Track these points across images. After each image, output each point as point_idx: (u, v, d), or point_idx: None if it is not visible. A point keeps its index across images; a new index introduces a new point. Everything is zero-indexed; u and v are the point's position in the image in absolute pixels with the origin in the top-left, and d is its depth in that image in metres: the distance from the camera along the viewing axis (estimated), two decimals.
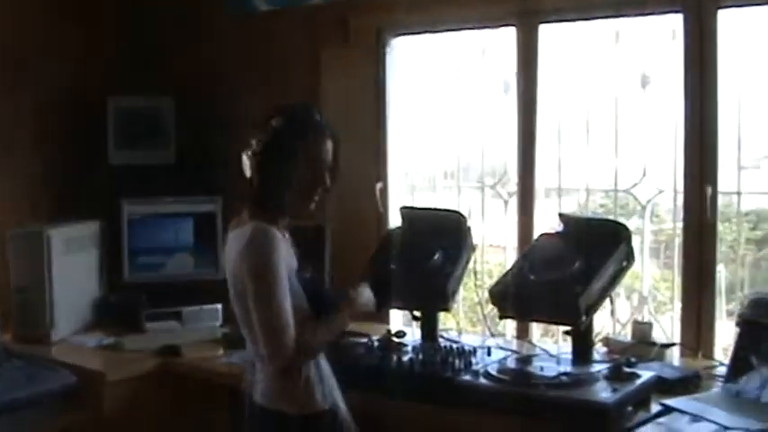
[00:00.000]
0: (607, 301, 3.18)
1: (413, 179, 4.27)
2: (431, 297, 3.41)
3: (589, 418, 2.63)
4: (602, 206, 4.02)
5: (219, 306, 4.01)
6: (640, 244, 3.71)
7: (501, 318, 3.29)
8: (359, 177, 4.15)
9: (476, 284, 3.72)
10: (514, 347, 3.53)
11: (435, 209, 3.78)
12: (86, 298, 4.04)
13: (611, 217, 3.69)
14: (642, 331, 3.45)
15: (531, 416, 2.72)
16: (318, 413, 2.70)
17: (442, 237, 3.52)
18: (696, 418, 2.63)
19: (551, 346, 3.69)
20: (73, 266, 3.92)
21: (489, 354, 3.19)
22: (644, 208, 3.70)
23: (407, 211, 3.71)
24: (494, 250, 4.16)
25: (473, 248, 3.57)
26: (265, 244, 2.61)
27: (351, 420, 2.80)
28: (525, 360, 3.03)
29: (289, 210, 2.74)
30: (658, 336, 3.49)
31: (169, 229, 4.18)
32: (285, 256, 2.65)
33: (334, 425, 2.73)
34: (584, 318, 3.00)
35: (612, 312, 3.24)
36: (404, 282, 3.39)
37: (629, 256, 3.16)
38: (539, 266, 3.19)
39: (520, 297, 3.12)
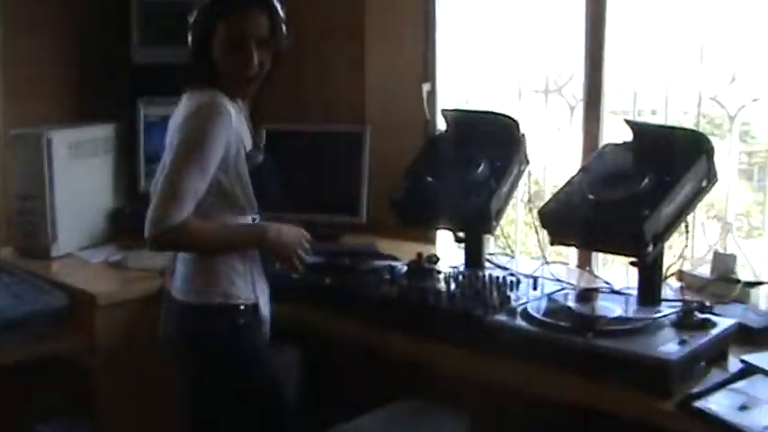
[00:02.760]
0: (682, 227, 2.53)
1: (468, 81, 3.61)
2: (472, 216, 2.81)
3: (648, 376, 2.02)
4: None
5: None
6: (727, 160, 3.04)
7: (552, 244, 2.66)
8: (402, 77, 3.56)
9: (529, 202, 3.12)
10: (571, 279, 2.92)
11: (484, 112, 3.14)
12: (98, 209, 3.52)
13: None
14: (724, 265, 2.80)
15: (574, 369, 2.13)
16: (239, 305, 2.39)
17: (489, 146, 2.91)
18: None
19: (618, 276, 3.08)
20: (83, 173, 3.41)
21: (535, 287, 2.58)
22: (732, 119, 3.01)
23: (452, 114, 3.09)
24: (558, 166, 3.51)
25: (526, 161, 2.94)
26: (207, 115, 2.28)
27: (269, 327, 2.48)
28: (577, 297, 2.42)
29: (228, 92, 2.36)
30: (744, 273, 2.84)
31: None
32: (232, 130, 2.31)
33: (254, 320, 2.41)
34: (650, 248, 2.37)
35: (687, 242, 2.58)
36: (443, 197, 2.80)
37: (711, 174, 2.49)
38: (599, 183, 2.55)
39: (573, 220, 2.50)
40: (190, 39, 2.40)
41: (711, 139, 2.54)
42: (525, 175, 3.00)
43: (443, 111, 3.11)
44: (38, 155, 3.25)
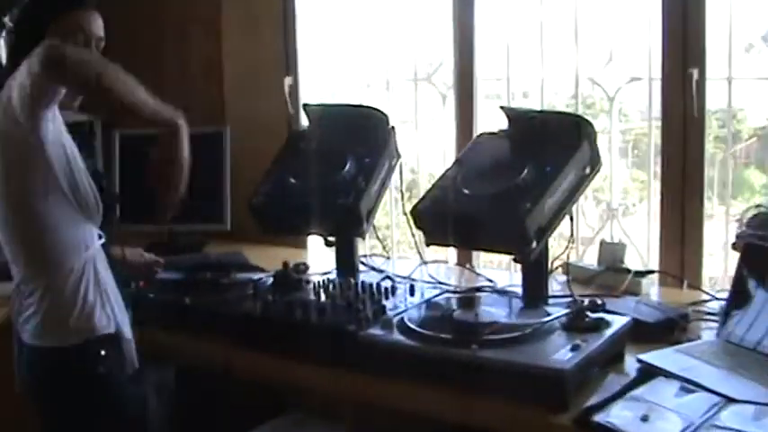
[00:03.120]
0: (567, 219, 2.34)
1: (333, 73, 3.36)
2: (340, 219, 2.56)
3: (541, 389, 1.81)
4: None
5: None
6: (608, 144, 2.89)
7: (428, 244, 2.44)
8: (263, 73, 3.30)
9: (403, 199, 2.91)
10: (451, 279, 2.72)
11: (348, 105, 2.90)
12: None
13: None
14: (612, 254, 2.63)
15: (460, 385, 1.91)
16: (100, 338, 2.04)
17: (356, 141, 2.67)
18: (687, 385, 1.82)
19: (500, 273, 2.89)
20: None
21: (413, 292, 2.35)
22: (611, 100, 2.85)
23: (314, 109, 2.83)
24: (432, 158, 3.31)
25: (398, 155, 2.71)
26: None
27: (136, 352, 2.14)
28: (458, 303, 2.21)
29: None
30: (632, 261, 2.68)
31: None
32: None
33: (116, 352, 2.07)
34: (534, 244, 2.17)
35: (572, 234, 2.39)
36: (307, 200, 2.55)
37: (594, 160, 2.30)
38: (475, 176, 2.34)
39: (449, 217, 2.28)
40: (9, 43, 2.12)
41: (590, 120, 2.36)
42: (398, 169, 2.77)
43: (305, 106, 2.84)
44: None
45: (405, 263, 2.92)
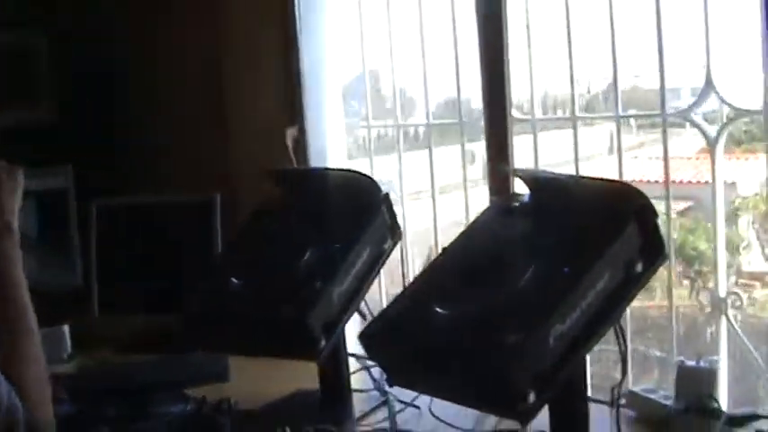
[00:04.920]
0: None
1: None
2: (285, 336, 1.76)
3: None
4: None
5: (66, 328, 2.52)
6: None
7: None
8: (260, 119, 2.59)
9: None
10: None
11: (328, 169, 2.15)
12: None
13: None
14: (695, 384, 1.72)
15: None
16: None
17: (330, 219, 1.88)
18: None
19: None
20: None
21: None
22: None
23: (283, 175, 2.07)
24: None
25: (393, 235, 1.90)
26: None
27: None
28: None
29: None
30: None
31: None
32: None
33: None
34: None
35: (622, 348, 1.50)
36: (248, 308, 1.78)
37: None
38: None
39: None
40: None
41: None
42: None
43: (274, 171, 2.08)
44: None
45: None
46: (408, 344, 1.48)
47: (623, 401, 1.67)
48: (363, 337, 1.55)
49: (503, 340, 1.33)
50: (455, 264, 1.58)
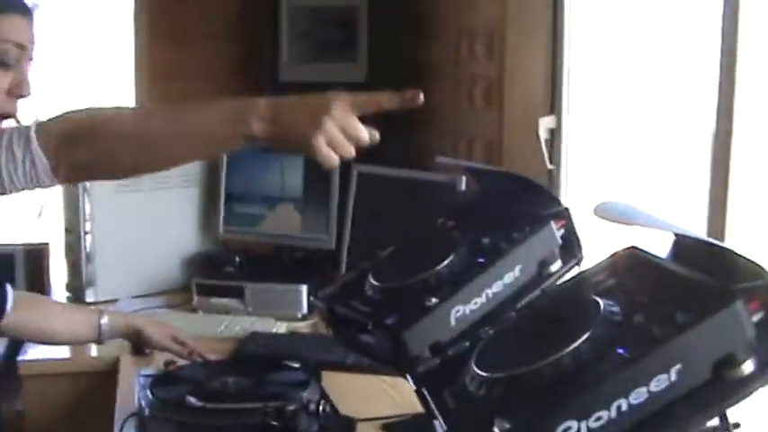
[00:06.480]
0: None
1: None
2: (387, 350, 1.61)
3: None
4: None
5: (304, 288, 2.58)
6: None
7: None
8: (519, 102, 2.41)
9: None
10: None
11: (504, 173, 1.89)
12: (167, 253, 2.86)
13: None
14: None
15: None
16: None
17: (495, 226, 1.68)
18: None
19: None
20: (148, 209, 2.80)
21: None
22: None
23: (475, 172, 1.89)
24: None
25: (565, 255, 1.65)
26: None
27: None
28: None
29: None
30: None
31: (274, 169, 2.81)
32: None
33: None
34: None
35: None
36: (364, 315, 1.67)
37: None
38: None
39: None
40: None
41: None
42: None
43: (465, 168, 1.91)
44: (74, 187, 2.70)
45: None
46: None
47: None
48: None
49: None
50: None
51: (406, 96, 1.27)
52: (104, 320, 1.89)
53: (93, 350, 2.28)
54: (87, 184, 2.66)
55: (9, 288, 1.75)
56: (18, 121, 1.44)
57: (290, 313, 2.55)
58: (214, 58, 3.19)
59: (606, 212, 1.26)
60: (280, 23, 3.13)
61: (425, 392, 1.25)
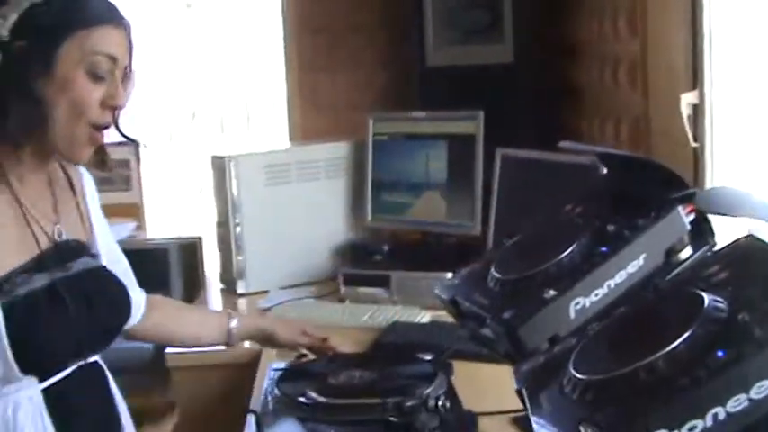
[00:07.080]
0: None
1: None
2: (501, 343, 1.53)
3: None
4: None
5: (449, 276, 2.52)
6: None
7: None
8: (661, 77, 2.27)
9: None
10: None
11: (632, 157, 1.75)
12: (315, 243, 2.87)
13: None
14: None
15: None
16: None
17: (625, 211, 1.58)
18: None
19: None
20: (296, 200, 2.83)
21: None
22: None
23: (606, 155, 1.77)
24: None
25: (694, 242, 1.53)
26: None
27: None
28: None
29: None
30: None
31: (419, 156, 2.76)
32: None
33: None
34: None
35: None
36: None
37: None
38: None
39: None
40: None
41: None
42: None
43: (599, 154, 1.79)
44: (220, 178, 2.76)
45: None
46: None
47: None
48: None
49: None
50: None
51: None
52: (233, 323, 1.90)
53: None
54: (236, 179, 2.71)
55: (143, 295, 1.79)
56: (119, 131, 1.46)
57: (435, 302, 2.49)
58: (362, 48, 3.19)
59: (708, 202, 1.14)
60: (424, 8, 3.08)
61: (524, 393, 1.18)
